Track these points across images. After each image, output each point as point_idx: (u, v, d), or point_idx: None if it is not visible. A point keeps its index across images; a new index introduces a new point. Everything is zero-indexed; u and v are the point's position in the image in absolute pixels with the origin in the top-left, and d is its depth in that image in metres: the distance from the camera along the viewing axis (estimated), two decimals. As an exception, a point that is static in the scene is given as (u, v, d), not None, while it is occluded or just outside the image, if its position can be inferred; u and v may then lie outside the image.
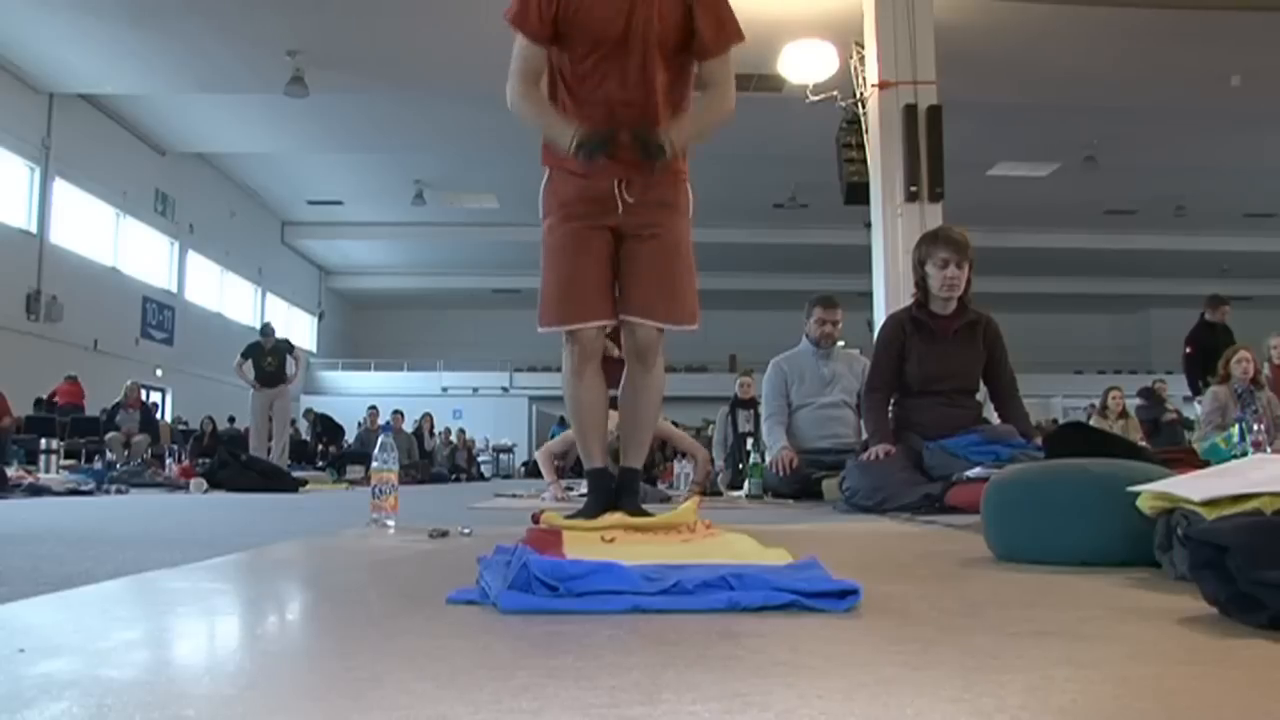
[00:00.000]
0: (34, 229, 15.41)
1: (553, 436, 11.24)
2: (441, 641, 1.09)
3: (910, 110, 8.92)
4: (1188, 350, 9.03)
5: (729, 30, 2.97)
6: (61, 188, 16.01)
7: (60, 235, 15.97)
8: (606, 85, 2.93)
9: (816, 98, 10.05)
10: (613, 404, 3.27)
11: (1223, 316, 8.95)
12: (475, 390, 28.22)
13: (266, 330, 12.60)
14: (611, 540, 2.08)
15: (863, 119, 9.57)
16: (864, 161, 9.55)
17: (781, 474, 5.61)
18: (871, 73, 9.32)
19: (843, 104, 10.00)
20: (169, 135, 17.90)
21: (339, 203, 22.91)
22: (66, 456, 10.07)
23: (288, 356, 11.99)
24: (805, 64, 10.45)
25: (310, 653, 1.10)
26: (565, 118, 2.89)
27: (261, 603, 1.55)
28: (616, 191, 2.94)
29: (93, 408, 13.18)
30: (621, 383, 3.17)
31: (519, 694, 0.81)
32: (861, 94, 9.61)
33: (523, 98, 2.93)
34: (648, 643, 1.05)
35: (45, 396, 13.39)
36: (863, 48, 9.59)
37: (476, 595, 1.33)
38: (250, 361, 11.91)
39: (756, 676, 0.90)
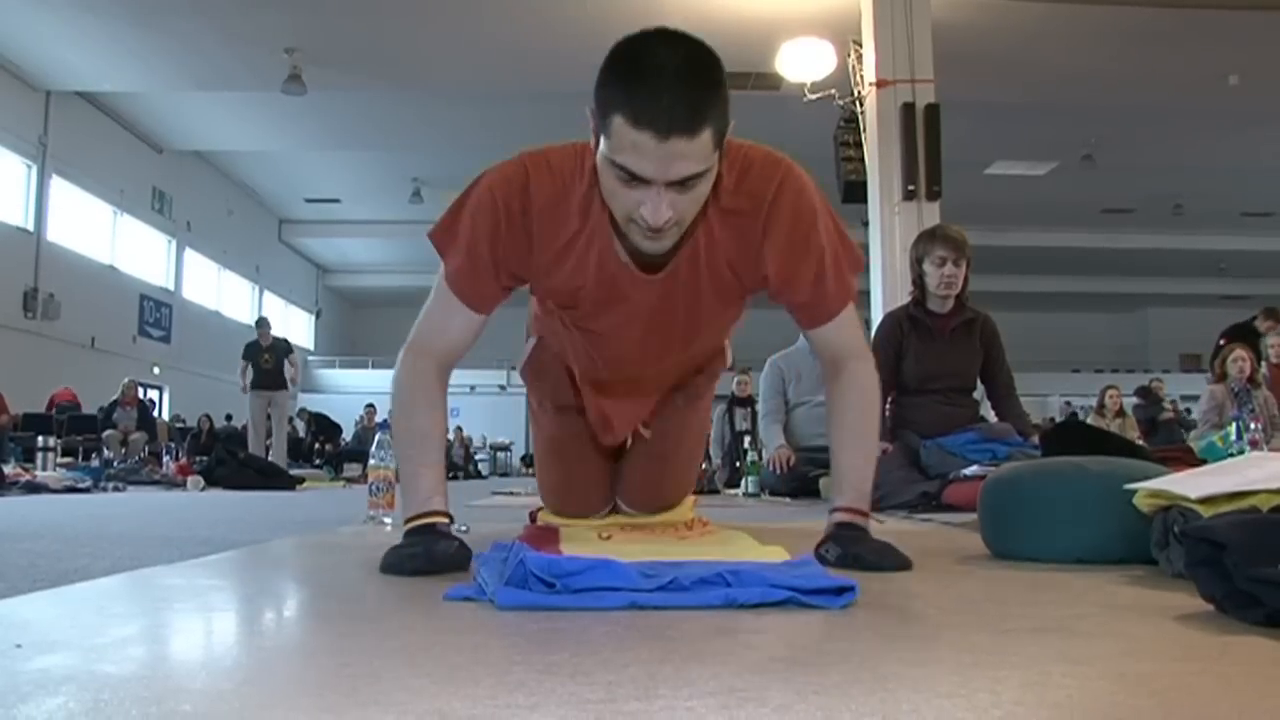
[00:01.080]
0: (31, 227, 15.37)
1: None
2: (438, 638, 1.09)
3: (908, 109, 8.92)
4: (1221, 342, 8.88)
5: (841, 290, 1.84)
6: (58, 185, 15.97)
7: (57, 233, 15.93)
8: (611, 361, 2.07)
9: (814, 96, 10.04)
10: None
11: (1268, 330, 8.63)
12: (472, 388, 28.15)
13: (262, 323, 12.52)
14: (608, 538, 2.08)
15: (860, 117, 9.56)
16: (861, 160, 9.55)
17: (779, 472, 5.61)
18: (869, 71, 9.32)
19: (840, 102, 9.99)
20: (166, 133, 17.87)
21: (336, 201, 22.88)
22: (64, 454, 10.07)
23: (285, 360, 11.94)
24: (803, 62, 10.44)
25: (306, 649, 1.10)
26: (435, 488, 1.79)
27: (258, 599, 1.55)
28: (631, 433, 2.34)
29: (90, 406, 13.16)
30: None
31: (515, 689, 0.81)
32: (859, 92, 9.61)
33: (407, 393, 1.85)
34: (644, 639, 1.05)
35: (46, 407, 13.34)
36: (860, 46, 9.59)
37: (473, 592, 1.33)
38: (249, 364, 11.84)
39: (753, 672, 0.90)
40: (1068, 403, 22.17)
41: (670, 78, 1.42)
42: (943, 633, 1.14)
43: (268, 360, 11.81)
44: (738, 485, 6.49)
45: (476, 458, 23.18)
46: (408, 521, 1.76)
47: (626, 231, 1.60)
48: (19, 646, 0.97)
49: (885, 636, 1.12)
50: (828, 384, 1.92)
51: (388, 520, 2.77)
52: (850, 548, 1.72)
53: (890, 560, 1.69)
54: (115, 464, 9.25)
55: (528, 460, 24.89)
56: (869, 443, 1.91)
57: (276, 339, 12.16)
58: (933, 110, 8.93)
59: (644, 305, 1.82)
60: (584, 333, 1.97)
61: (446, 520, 1.75)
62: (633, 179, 1.48)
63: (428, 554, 1.62)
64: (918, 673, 0.90)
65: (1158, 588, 1.50)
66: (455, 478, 16.97)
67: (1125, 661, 0.97)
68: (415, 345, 1.86)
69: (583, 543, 1.90)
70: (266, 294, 25.17)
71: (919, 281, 4.31)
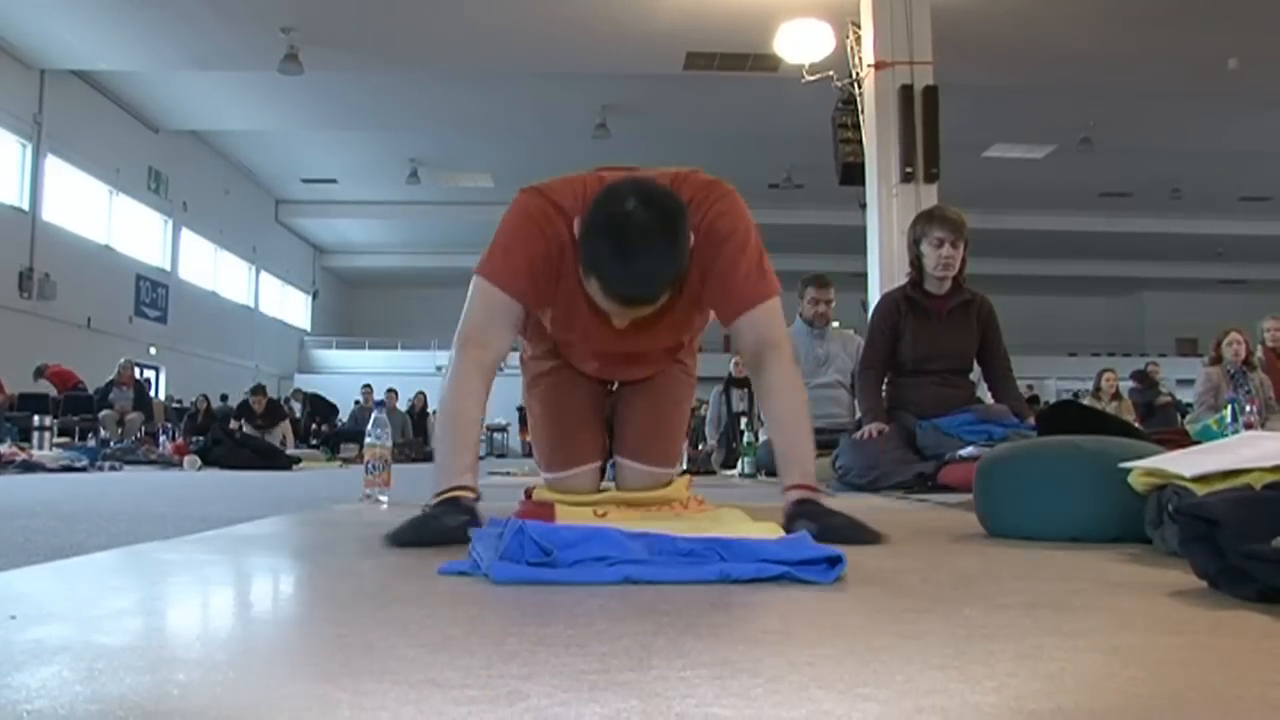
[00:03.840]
0: (26, 206, 15.31)
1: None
2: (433, 610, 1.09)
3: (906, 91, 8.89)
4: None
5: (761, 288, 2.09)
6: (54, 165, 15.90)
7: (53, 213, 15.87)
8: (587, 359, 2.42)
9: (812, 78, 10.00)
10: None
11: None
12: (470, 370, 28.20)
13: (258, 390, 13.19)
14: (604, 515, 2.09)
15: (859, 99, 9.53)
16: (860, 142, 9.52)
17: None
18: (868, 53, 9.28)
19: (839, 84, 9.95)
20: (162, 112, 17.79)
21: (333, 181, 22.80)
22: (60, 434, 10.06)
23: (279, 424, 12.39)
24: (801, 44, 10.39)
25: (301, 621, 1.10)
26: (470, 468, 1.96)
27: (253, 573, 1.55)
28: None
29: (86, 386, 13.14)
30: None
31: (509, 660, 0.81)
32: (857, 74, 9.57)
33: (452, 392, 2.00)
34: (639, 612, 1.06)
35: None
36: (859, 28, 9.55)
37: (468, 566, 1.33)
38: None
39: (746, 644, 0.90)
40: (1051, 401, 22.19)
41: (640, 263, 1.80)
42: (936, 607, 1.14)
43: (261, 424, 12.46)
44: (734, 466, 6.50)
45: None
46: (436, 496, 1.88)
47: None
48: (13, 618, 0.97)
49: (879, 610, 1.12)
50: (753, 378, 2.15)
51: (383, 498, 2.78)
52: (824, 521, 1.82)
53: (864, 536, 1.81)
54: (112, 444, 9.25)
55: (526, 448, 24.89)
56: (804, 423, 2.09)
57: (271, 400, 13.15)
58: (931, 92, 8.90)
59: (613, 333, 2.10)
60: (567, 345, 2.36)
61: (472, 495, 1.88)
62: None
63: (435, 526, 1.77)
64: (911, 645, 0.90)
65: (1152, 565, 1.51)
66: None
67: (1118, 635, 0.98)
68: (465, 337, 2.04)
69: (578, 519, 1.91)
70: (263, 274, 25.13)
71: (916, 263, 4.31)
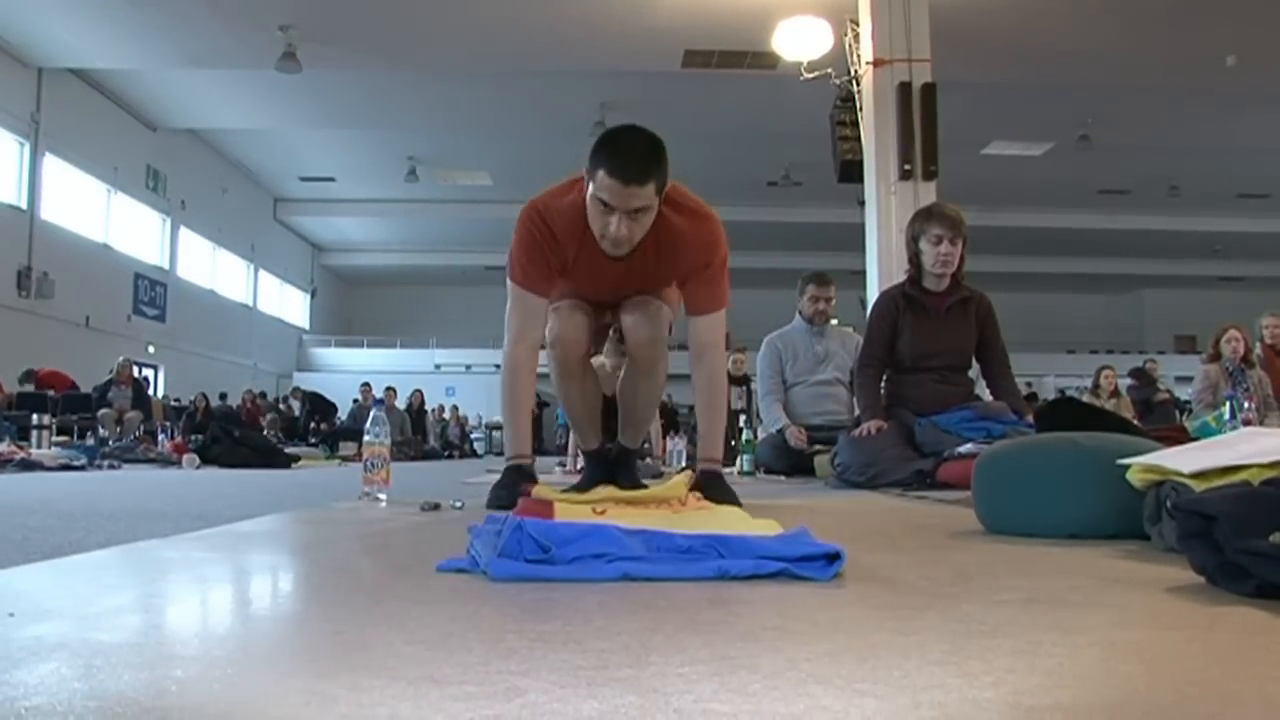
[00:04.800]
0: (24, 205, 15.31)
1: (558, 419, 11.26)
2: (430, 607, 1.09)
3: (904, 88, 8.90)
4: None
5: (716, 299, 2.89)
6: (52, 163, 15.90)
7: (51, 211, 15.87)
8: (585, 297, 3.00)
9: (811, 75, 10.01)
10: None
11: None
12: (468, 367, 28.16)
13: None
14: (602, 512, 2.08)
15: (857, 97, 9.53)
16: (858, 139, 9.53)
17: (796, 444, 5.59)
18: (866, 50, 9.29)
19: (837, 81, 9.96)
20: (160, 111, 17.78)
21: (331, 179, 22.79)
22: (59, 433, 10.06)
23: None
24: (799, 41, 10.39)
25: (299, 618, 1.10)
26: (527, 436, 2.92)
27: (252, 571, 1.55)
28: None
29: (85, 384, 13.13)
30: (621, 373, 3.24)
31: (507, 657, 0.81)
32: (856, 71, 9.58)
33: (512, 375, 2.82)
34: (637, 609, 1.06)
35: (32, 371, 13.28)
36: (857, 25, 9.55)
37: (466, 564, 1.33)
38: None
39: (744, 640, 0.90)
40: (1063, 390, 22.18)
41: (633, 153, 2.54)
42: (934, 603, 1.14)
43: None
44: (732, 463, 6.50)
45: (472, 437, 23.18)
46: (508, 460, 2.93)
47: (600, 243, 2.67)
48: (12, 615, 0.97)
49: (877, 607, 1.12)
50: (692, 365, 2.89)
51: (382, 496, 2.77)
52: (711, 491, 2.47)
53: (731, 498, 2.52)
54: (110, 442, 9.24)
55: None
56: (722, 410, 3.03)
57: None
58: (929, 90, 8.90)
59: (612, 274, 2.84)
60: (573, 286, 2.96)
61: (530, 460, 2.90)
62: (606, 207, 2.57)
63: (511, 493, 2.43)
64: (909, 641, 0.91)
65: (1149, 561, 1.51)
66: (450, 457, 17.00)
67: (1116, 631, 0.98)
68: (514, 337, 2.82)
69: (576, 516, 1.91)
70: (261, 273, 25.12)
71: (915, 260, 4.31)
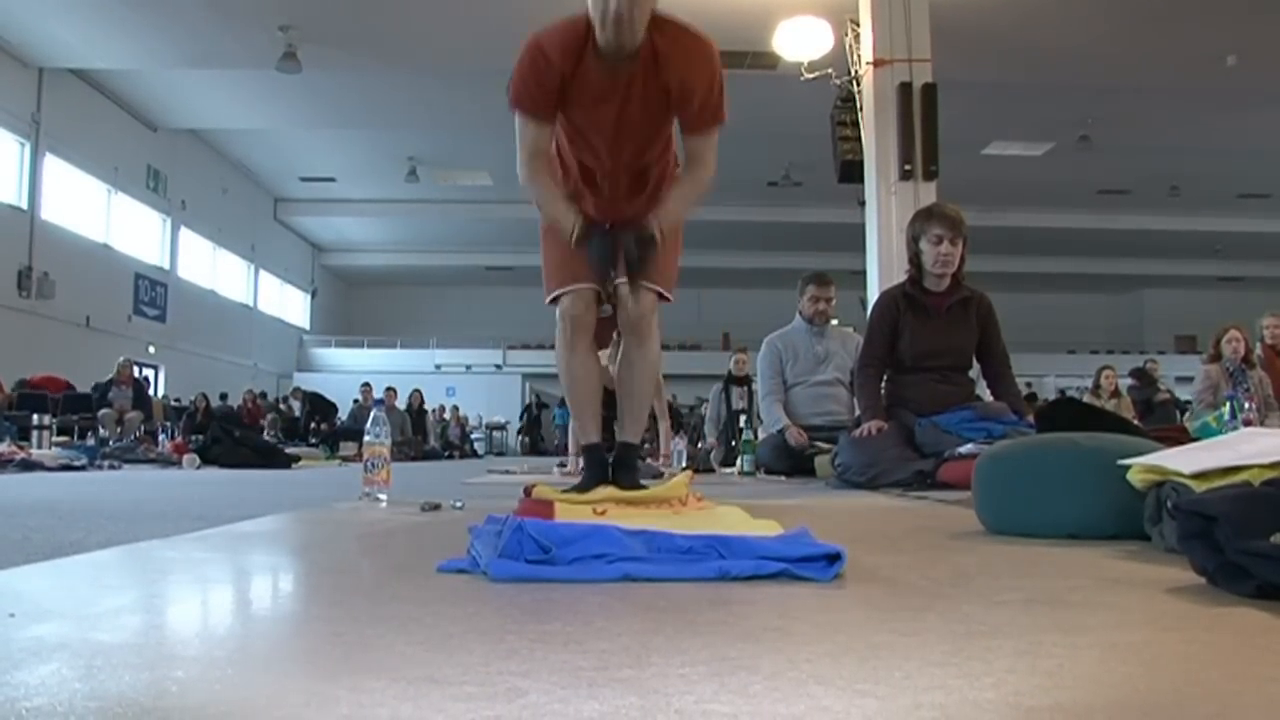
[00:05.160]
0: (25, 205, 15.32)
1: (556, 420, 11.27)
2: (431, 608, 1.09)
3: (905, 88, 8.90)
4: None
5: (715, 114, 2.96)
6: (52, 163, 15.91)
7: (51, 212, 15.87)
8: (585, 156, 3.05)
9: (811, 75, 10.02)
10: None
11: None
12: (469, 368, 28.19)
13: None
14: (603, 513, 2.08)
15: (857, 97, 9.54)
16: (858, 139, 9.53)
17: (797, 444, 5.59)
18: (866, 50, 9.30)
19: (837, 82, 9.97)
20: (161, 111, 17.79)
21: (332, 179, 22.80)
22: (59, 433, 10.06)
23: None
24: (800, 41, 10.40)
25: (300, 618, 1.10)
26: (569, 205, 2.97)
27: (252, 571, 1.55)
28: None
29: (85, 385, 13.13)
30: (618, 358, 3.29)
31: (508, 657, 0.81)
32: (856, 72, 9.58)
33: (531, 180, 2.97)
34: (637, 609, 1.06)
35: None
36: (858, 25, 9.56)
37: (467, 564, 1.33)
38: None
39: (745, 641, 0.90)
40: (1063, 390, 22.17)
41: None
42: (935, 604, 1.14)
43: None
44: (734, 464, 6.50)
45: (472, 437, 23.17)
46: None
47: (602, 25, 2.70)
48: (12, 616, 0.97)
49: (877, 607, 1.12)
50: (685, 169, 3.07)
51: (382, 496, 2.77)
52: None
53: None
54: (110, 443, 9.24)
55: (525, 447, 24.95)
56: (691, 201, 3.10)
57: None
58: (930, 90, 8.91)
59: (613, 106, 2.86)
60: (575, 135, 3.00)
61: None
62: None
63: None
64: (909, 641, 0.90)
65: (1150, 562, 1.51)
66: (450, 457, 17.00)
67: (1116, 632, 0.98)
68: (521, 153, 2.94)
69: (577, 517, 1.91)
70: (262, 273, 25.12)
71: (915, 260, 4.31)
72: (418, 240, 27.63)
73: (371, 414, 2.92)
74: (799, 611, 1.09)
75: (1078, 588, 1.27)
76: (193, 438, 9.75)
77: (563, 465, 6.47)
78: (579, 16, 2.80)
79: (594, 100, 2.88)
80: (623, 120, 2.92)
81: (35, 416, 8.54)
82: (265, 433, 12.89)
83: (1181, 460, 1.61)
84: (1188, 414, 7.66)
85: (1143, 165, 20.25)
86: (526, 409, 26.04)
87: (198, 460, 7.49)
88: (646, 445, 6.02)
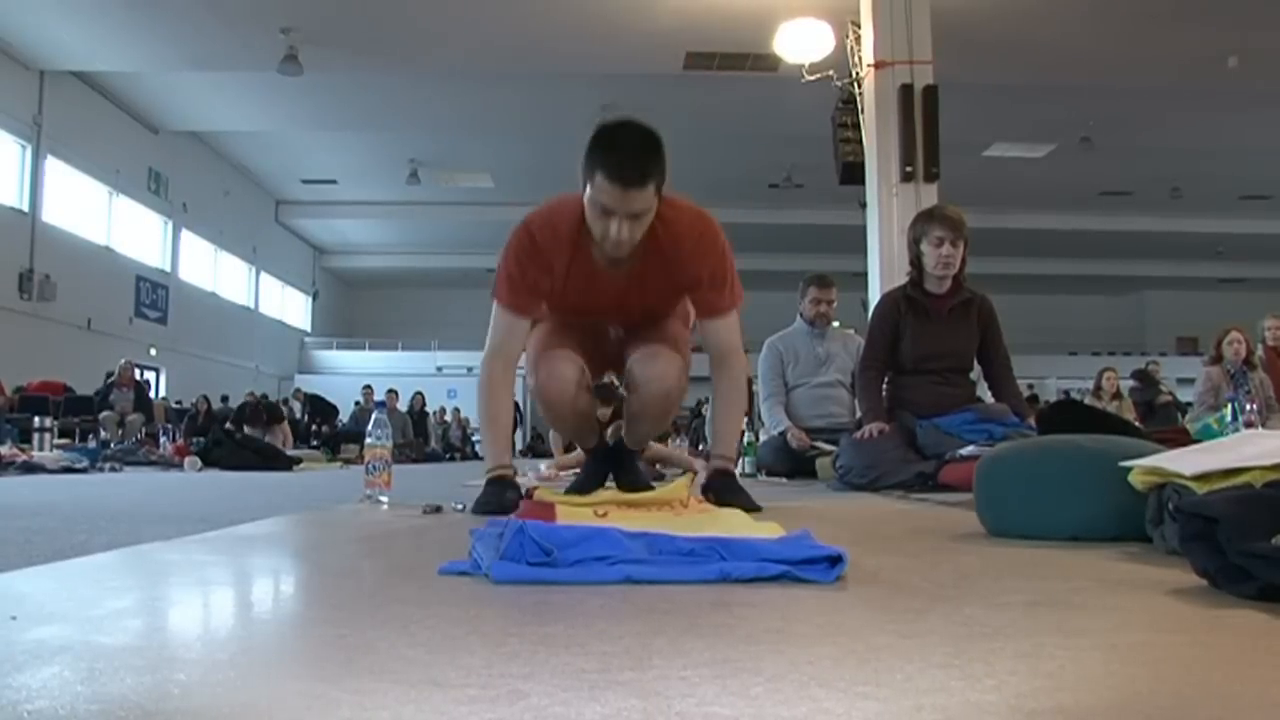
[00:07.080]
0: (26, 208, 15.31)
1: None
2: (433, 610, 1.09)
3: (906, 90, 8.89)
4: None
5: (730, 295, 2.76)
6: (53, 166, 15.90)
7: (53, 214, 15.86)
8: (585, 322, 2.96)
9: (812, 77, 10.01)
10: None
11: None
12: (470, 370, 28.09)
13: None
14: (604, 515, 2.08)
15: (859, 99, 9.53)
16: (860, 141, 9.52)
17: (798, 446, 5.58)
18: (867, 52, 9.28)
19: (839, 83, 9.96)
20: (162, 113, 17.78)
21: (333, 182, 22.78)
22: (61, 435, 10.06)
23: None
24: (801, 43, 10.40)
25: (302, 621, 1.10)
26: (506, 448, 2.73)
27: (254, 574, 1.55)
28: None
29: (86, 387, 13.14)
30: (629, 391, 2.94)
31: (510, 660, 0.81)
32: (857, 73, 9.57)
33: (486, 386, 2.76)
34: (639, 612, 1.06)
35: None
36: (859, 27, 9.55)
37: (468, 566, 1.33)
38: None
39: (747, 643, 0.90)
40: (1068, 391, 22.16)
41: (631, 154, 2.42)
42: (937, 606, 1.14)
43: None
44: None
45: (474, 439, 23.15)
46: (488, 473, 2.67)
47: (601, 245, 2.56)
48: (14, 618, 0.97)
49: (879, 610, 1.12)
50: (714, 370, 2.82)
51: (384, 499, 2.77)
52: (723, 489, 2.62)
53: (745, 501, 2.48)
54: (112, 445, 9.24)
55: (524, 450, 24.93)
56: (740, 413, 2.96)
57: None
58: (931, 91, 8.90)
59: (612, 289, 2.75)
60: (573, 313, 2.91)
61: (511, 472, 2.66)
62: (605, 211, 2.47)
63: (499, 501, 2.46)
64: (911, 644, 0.91)
65: (1152, 564, 1.51)
66: (452, 459, 16.99)
67: (1118, 634, 0.98)
68: (490, 352, 2.75)
69: (578, 519, 1.91)
70: (263, 275, 25.12)
71: (916, 262, 4.31)
72: (419, 242, 27.62)
73: (373, 416, 2.92)
74: (800, 614, 1.09)
75: (1079, 589, 1.27)
76: (194, 440, 9.75)
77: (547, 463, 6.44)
78: (574, 202, 2.59)
79: (593, 289, 2.74)
80: (625, 306, 2.84)
81: (37, 419, 8.53)
82: (280, 439, 12.80)
83: (1183, 462, 1.61)
84: (1189, 416, 7.65)
85: (1144, 167, 20.23)
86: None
87: (199, 462, 7.50)
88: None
